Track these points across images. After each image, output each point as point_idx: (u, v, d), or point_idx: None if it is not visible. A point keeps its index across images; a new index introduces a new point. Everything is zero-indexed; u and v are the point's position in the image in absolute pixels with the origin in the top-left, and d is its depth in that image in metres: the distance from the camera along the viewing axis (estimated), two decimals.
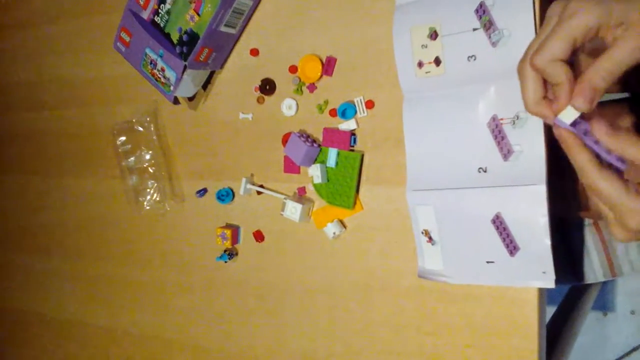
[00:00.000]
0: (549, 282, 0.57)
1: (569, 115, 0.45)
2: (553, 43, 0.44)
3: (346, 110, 0.67)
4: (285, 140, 0.72)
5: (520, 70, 0.48)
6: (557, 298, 1.07)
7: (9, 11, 0.98)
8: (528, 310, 0.60)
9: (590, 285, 1.07)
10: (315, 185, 0.70)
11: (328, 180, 0.68)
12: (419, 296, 0.66)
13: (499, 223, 0.58)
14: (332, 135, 0.68)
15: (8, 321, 1.09)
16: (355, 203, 0.68)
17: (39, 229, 1.00)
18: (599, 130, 0.44)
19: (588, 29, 0.43)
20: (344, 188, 0.68)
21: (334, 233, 0.69)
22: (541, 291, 0.60)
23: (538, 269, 0.57)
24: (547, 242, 0.56)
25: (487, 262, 0.60)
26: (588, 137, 0.46)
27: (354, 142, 0.67)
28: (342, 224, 0.70)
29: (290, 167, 0.72)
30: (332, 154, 0.68)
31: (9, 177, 1.03)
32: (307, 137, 0.69)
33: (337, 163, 0.68)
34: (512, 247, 0.58)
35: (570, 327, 1.00)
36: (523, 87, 0.48)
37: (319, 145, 0.69)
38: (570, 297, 1.07)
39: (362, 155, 0.67)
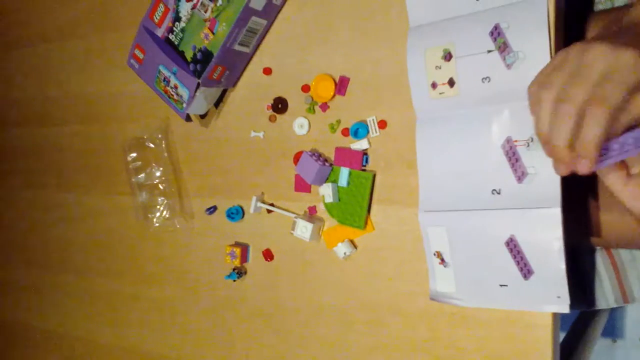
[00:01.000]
0: (564, 307, 0.56)
1: None
2: (618, 95, 0.43)
3: (358, 130, 0.67)
4: (296, 159, 0.72)
5: (539, 96, 0.47)
6: (566, 324, 1.05)
7: (23, 28, 0.99)
8: (542, 335, 0.59)
9: (599, 311, 1.06)
10: (326, 205, 0.69)
11: (339, 200, 0.68)
12: (430, 319, 0.65)
13: (512, 246, 0.58)
14: (344, 155, 0.68)
15: (14, 335, 1.08)
16: (366, 223, 0.68)
17: (47, 243, 1.00)
18: None
19: None
20: (355, 208, 0.67)
21: (345, 253, 0.69)
22: (555, 316, 0.59)
23: (552, 294, 0.57)
24: (562, 266, 0.55)
25: (501, 285, 0.59)
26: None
27: (366, 161, 0.67)
28: (353, 244, 0.69)
29: (301, 186, 0.72)
30: (344, 173, 0.67)
31: (20, 192, 1.03)
32: (318, 156, 0.69)
33: (348, 182, 0.67)
34: (526, 271, 0.58)
35: (579, 354, 0.98)
36: (541, 111, 0.47)
37: (331, 165, 0.69)
38: (580, 323, 1.05)
39: (374, 175, 0.67)
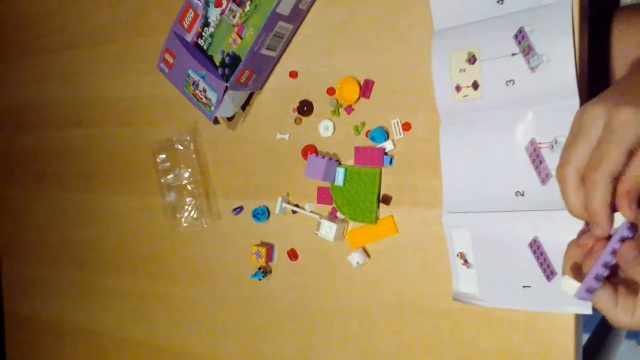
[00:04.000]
0: (586, 309, 0.57)
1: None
2: (613, 157, 0.43)
3: (375, 137, 0.68)
4: (304, 153, 0.74)
5: (561, 176, 0.47)
6: (590, 325, 1.05)
7: (53, 33, 1.02)
8: (564, 337, 0.59)
9: None
10: (336, 202, 0.71)
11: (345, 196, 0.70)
12: (453, 319, 0.66)
13: (536, 247, 0.58)
14: (364, 153, 0.69)
15: (45, 333, 1.11)
16: (377, 218, 0.69)
17: (78, 243, 1.03)
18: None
19: None
20: (365, 204, 0.69)
21: (357, 262, 0.70)
22: (578, 317, 0.59)
23: None
24: None
25: (524, 286, 0.60)
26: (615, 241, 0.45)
27: (390, 162, 0.68)
28: (367, 253, 0.71)
29: (324, 198, 0.73)
30: (339, 172, 0.70)
31: (51, 193, 1.06)
32: (323, 156, 0.71)
33: (344, 182, 0.70)
34: (549, 272, 0.58)
35: (604, 355, 0.98)
36: (565, 191, 0.47)
37: (337, 160, 0.71)
38: (604, 325, 1.05)
39: (381, 171, 0.68)
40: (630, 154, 0.43)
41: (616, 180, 0.44)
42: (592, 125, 0.45)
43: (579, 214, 0.47)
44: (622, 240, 0.45)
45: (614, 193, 0.44)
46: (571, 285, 0.47)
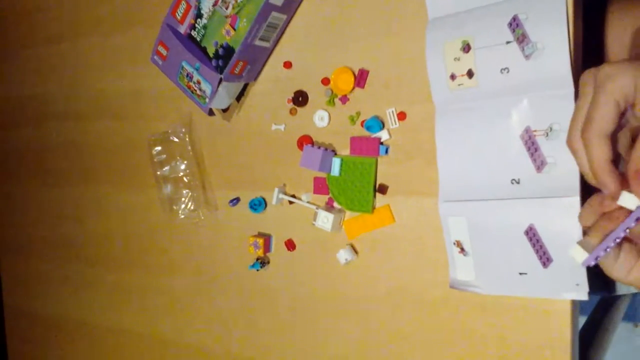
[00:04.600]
0: (582, 294, 0.57)
1: (628, 200, 0.45)
2: (599, 112, 0.44)
3: (371, 127, 0.68)
4: (300, 143, 0.75)
5: (570, 146, 0.47)
6: (587, 308, 1.06)
7: (47, 25, 1.01)
8: (561, 322, 0.60)
9: (620, 296, 1.06)
10: (332, 192, 0.71)
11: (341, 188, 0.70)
12: (450, 307, 0.66)
13: (532, 235, 0.59)
14: (360, 143, 0.69)
15: (46, 328, 1.11)
16: (374, 208, 0.69)
17: (77, 238, 1.03)
18: None
19: (627, 91, 0.43)
20: (362, 194, 0.69)
21: (346, 259, 0.71)
22: (574, 303, 0.60)
23: (571, 281, 0.58)
24: None
25: (520, 273, 0.60)
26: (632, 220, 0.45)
27: (386, 152, 0.68)
28: (354, 250, 0.72)
29: (320, 188, 0.73)
30: (335, 163, 0.70)
31: (48, 188, 1.06)
32: (319, 146, 0.71)
33: (340, 172, 0.70)
34: (545, 259, 0.59)
35: (601, 338, 0.99)
36: (578, 160, 0.47)
37: (333, 151, 0.71)
38: (601, 308, 1.06)
39: (377, 160, 0.68)
40: (635, 135, 0.44)
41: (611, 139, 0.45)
42: (585, 90, 0.46)
43: (592, 179, 0.47)
44: (638, 220, 0.45)
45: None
46: (580, 254, 0.48)
